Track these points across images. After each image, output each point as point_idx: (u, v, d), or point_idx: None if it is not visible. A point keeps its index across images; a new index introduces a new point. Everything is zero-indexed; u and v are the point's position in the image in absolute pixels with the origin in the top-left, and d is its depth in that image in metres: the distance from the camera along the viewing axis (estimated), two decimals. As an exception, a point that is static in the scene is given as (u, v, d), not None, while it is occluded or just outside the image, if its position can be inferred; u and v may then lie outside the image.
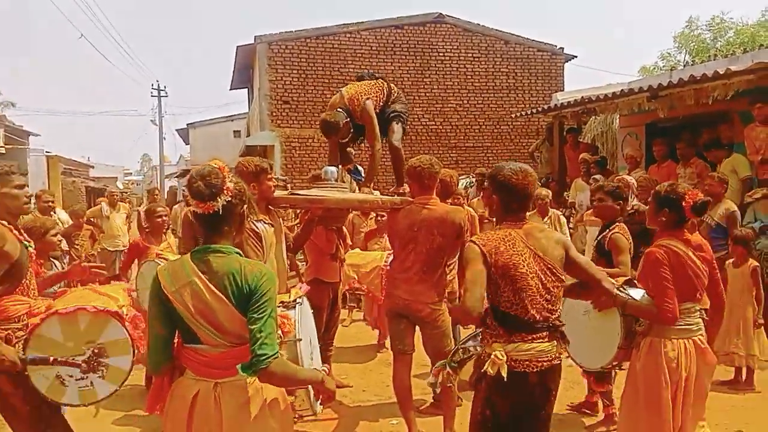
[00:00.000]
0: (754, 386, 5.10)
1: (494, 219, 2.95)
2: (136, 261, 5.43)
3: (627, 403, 3.19)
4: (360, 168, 5.44)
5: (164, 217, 5.49)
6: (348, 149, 5.27)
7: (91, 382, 2.84)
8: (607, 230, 4.13)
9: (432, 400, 4.70)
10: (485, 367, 2.53)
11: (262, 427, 2.20)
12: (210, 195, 2.15)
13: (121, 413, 4.71)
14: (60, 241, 7.56)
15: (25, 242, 3.02)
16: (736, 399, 4.89)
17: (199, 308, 2.11)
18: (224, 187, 2.18)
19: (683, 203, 3.01)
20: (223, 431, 2.13)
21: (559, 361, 2.66)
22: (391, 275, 4.14)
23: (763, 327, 5.08)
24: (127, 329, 2.93)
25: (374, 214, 7.15)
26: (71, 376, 2.79)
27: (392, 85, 4.94)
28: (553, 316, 2.63)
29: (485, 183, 5.69)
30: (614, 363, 3.26)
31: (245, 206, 2.31)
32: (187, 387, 2.19)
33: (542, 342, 2.57)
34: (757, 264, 5.13)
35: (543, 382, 2.61)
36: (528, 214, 7.14)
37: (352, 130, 4.73)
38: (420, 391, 4.71)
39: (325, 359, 5.21)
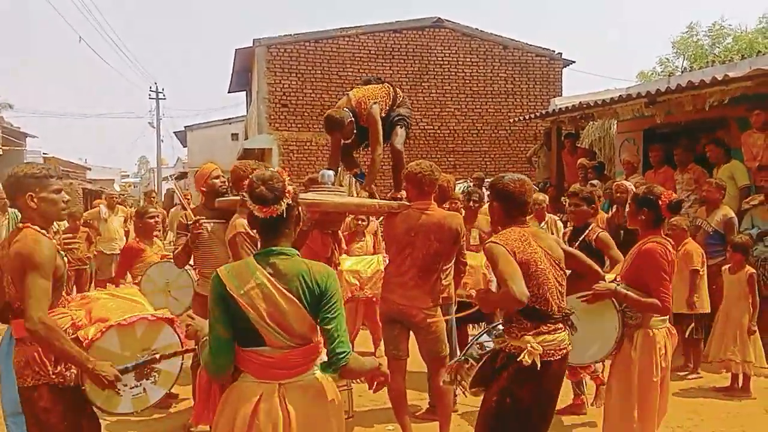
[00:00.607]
0: (750, 393, 5.10)
1: (498, 225, 3.13)
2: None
3: (619, 393, 3.37)
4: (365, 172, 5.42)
5: (156, 218, 5.47)
6: (354, 154, 5.24)
7: (144, 389, 2.87)
8: (588, 231, 4.60)
9: (428, 406, 4.68)
10: (521, 357, 2.71)
11: (328, 426, 2.23)
12: (273, 199, 2.17)
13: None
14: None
15: (61, 251, 2.89)
16: (732, 406, 4.88)
17: (269, 311, 2.11)
18: (286, 191, 2.21)
19: (660, 202, 3.31)
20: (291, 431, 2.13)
21: (569, 349, 2.92)
22: (386, 279, 4.13)
23: (757, 333, 5.07)
24: (178, 334, 2.98)
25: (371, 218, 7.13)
26: (126, 385, 2.78)
27: (398, 89, 4.95)
28: (565, 308, 2.92)
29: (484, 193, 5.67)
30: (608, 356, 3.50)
31: (299, 207, 2.35)
32: (248, 390, 2.16)
33: (561, 332, 2.86)
34: (754, 271, 5.13)
35: (560, 369, 2.89)
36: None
37: (355, 131, 4.72)
38: (416, 396, 4.70)
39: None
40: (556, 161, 10.50)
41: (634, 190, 5.70)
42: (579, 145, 10.68)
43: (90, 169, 33.50)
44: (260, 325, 2.11)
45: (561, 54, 17.19)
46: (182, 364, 3.02)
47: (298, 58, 15.45)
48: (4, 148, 20.55)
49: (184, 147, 33.09)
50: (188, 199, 7.26)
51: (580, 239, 4.58)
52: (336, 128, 4.64)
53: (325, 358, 2.25)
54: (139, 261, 5.20)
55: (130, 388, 2.81)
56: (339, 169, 4.92)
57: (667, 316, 3.40)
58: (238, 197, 3.90)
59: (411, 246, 3.88)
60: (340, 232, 5.52)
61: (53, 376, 2.66)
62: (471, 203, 6.31)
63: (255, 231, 2.31)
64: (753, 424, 4.55)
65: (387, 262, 4.55)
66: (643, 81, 22.58)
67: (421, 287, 3.89)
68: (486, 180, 11.12)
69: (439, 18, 16.26)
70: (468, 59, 16.46)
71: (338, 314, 2.16)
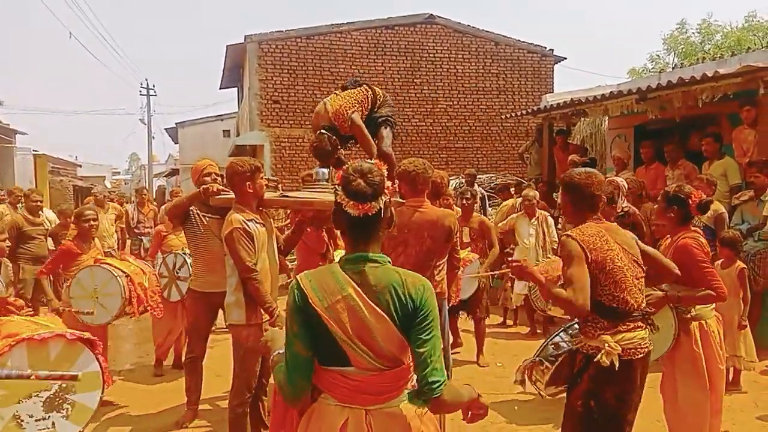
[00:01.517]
0: (741, 386, 5.14)
1: (569, 220, 3.16)
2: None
3: (692, 388, 3.44)
4: None
5: (92, 222, 5.14)
6: (337, 155, 5.22)
7: (53, 423, 2.47)
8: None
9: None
10: (598, 358, 2.65)
11: None
12: (372, 195, 1.88)
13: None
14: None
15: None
16: (723, 400, 4.92)
17: (355, 327, 1.83)
18: (384, 186, 1.93)
19: (690, 201, 3.46)
20: None
21: (651, 348, 2.84)
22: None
23: (748, 328, 5.11)
24: (99, 360, 2.66)
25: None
26: (31, 416, 2.42)
27: (376, 88, 4.88)
28: (644, 305, 2.84)
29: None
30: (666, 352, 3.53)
31: (392, 208, 2.06)
32: (332, 414, 1.88)
33: (642, 330, 2.78)
34: (745, 266, 5.17)
35: (643, 367, 2.80)
36: (515, 215, 7.14)
37: (344, 141, 4.70)
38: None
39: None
40: (547, 157, 10.53)
41: (626, 186, 5.76)
42: (570, 142, 10.71)
43: (81, 166, 33.26)
44: (344, 342, 1.84)
45: (552, 51, 17.24)
46: (101, 398, 2.66)
47: (289, 54, 15.42)
48: (-7, 145, 20.38)
49: (176, 144, 32.98)
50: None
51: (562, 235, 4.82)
52: (326, 158, 4.59)
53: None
54: (74, 264, 4.99)
55: (36, 421, 2.42)
56: (330, 169, 4.91)
57: (714, 304, 3.51)
58: (233, 195, 3.89)
59: (404, 243, 3.89)
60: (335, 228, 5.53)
61: None
62: (464, 201, 6.36)
63: (340, 232, 2.01)
64: (744, 418, 4.59)
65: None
66: (634, 78, 22.68)
67: (413, 284, 3.90)
68: (478, 176, 11.18)
69: (431, 14, 16.27)
70: (460, 56, 16.48)
71: (433, 336, 1.84)
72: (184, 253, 5.33)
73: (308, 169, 5.07)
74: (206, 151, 23.32)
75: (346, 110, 4.57)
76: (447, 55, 16.40)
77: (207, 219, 4.32)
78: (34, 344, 2.48)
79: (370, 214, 1.88)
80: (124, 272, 4.80)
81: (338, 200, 1.91)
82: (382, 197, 1.91)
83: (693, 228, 3.56)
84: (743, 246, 5.69)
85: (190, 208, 4.35)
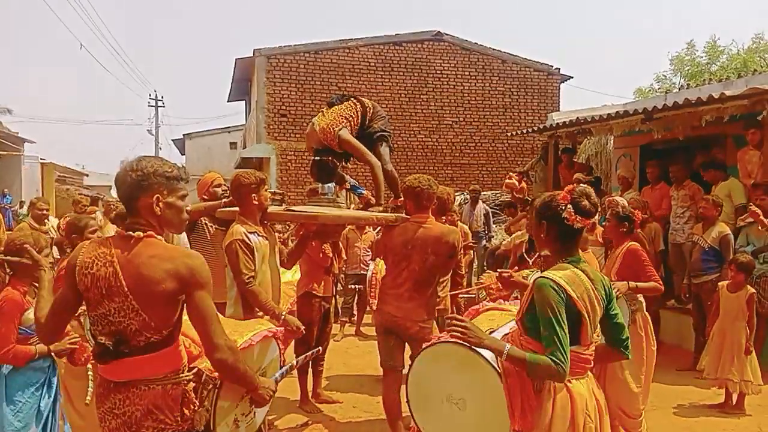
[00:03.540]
0: (745, 410, 5.10)
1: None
2: None
3: (633, 364, 4.04)
4: (356, 183, 5.42)
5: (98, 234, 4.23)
6: (339, 170, 5.23)
7: (254, 412, 2.55)
8: None
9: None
10: None
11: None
12: (594, 212, 2.40)
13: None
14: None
15: None
16: (727, 423, 4.88)
17: (590, 312, 2.30)
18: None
19: (635, 218, 4.41)
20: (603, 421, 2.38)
21: None
22: (382, 291, 4.14)
23: (754, 352, 5.08)
24: (279, 345, 2.84)
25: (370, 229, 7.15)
26: (243, 414, 2.46)
27: (364, 100, 4.85)
28: None
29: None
30: None
31: None
32: (575, 387, 2.30)
33: None
34: (754, 291, 5.15)
35: None
36: (520, 233, 7.17)
37: (341, 158, 4.72)
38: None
39: (316, 374, 5.20)
40: (552, 176, 10.53)
41: (626, 206, 5.76)
42: (576, 160, 10.72)
43: (87, 175, 33.45)
44: (588, 325, 2.29)
45: (559, 69, 17.31)
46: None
47: (297, 68, 15.52)
48: (2, 153, 20.53)
49: (182, 155, 33.10)
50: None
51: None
52: (328, 179, 4.61)
53: None
54: None
55: (245, 416, 2.46)
56: (336, 186, 4.91)
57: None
58: (237, 208, 3.91)
59: (407, 259, 3.90)
60: (339, 242, 5.54)
61: (182, 423, 2.13)
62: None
63: (558, 240, 2.41)
64: (747, 441, 4.56)
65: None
66: (641, 97, 22.72)
67: (416, 300, 3.90)
68: (482, 193, 11.19)
69: (439, 32, 16.37)
70: (467, 73, 16.56)
71: (619, 312, 2.46)
72: None
73: (313, 183, 5.09)
74: (213, 162, 23.46)
75: (333, 128, 4.56)
76: (454, 72, 16.48)
77: (213, 229, 4.34)
78: (245, 351, 2.50)
79: (587, 227, 2.40)
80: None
81: (565, 215, 2.34)
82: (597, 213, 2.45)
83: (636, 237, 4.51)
84: (749, 268, 5.67)
85: (199, 218, 4.36)
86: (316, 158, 4.63)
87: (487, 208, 10.56)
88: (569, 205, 2.35)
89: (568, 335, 2.19)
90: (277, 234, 4.56)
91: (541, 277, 2.28)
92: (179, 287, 2.05)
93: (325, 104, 4.91)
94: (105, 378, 2.16)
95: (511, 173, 9.91)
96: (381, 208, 4.63)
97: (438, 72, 16.37)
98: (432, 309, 4.02)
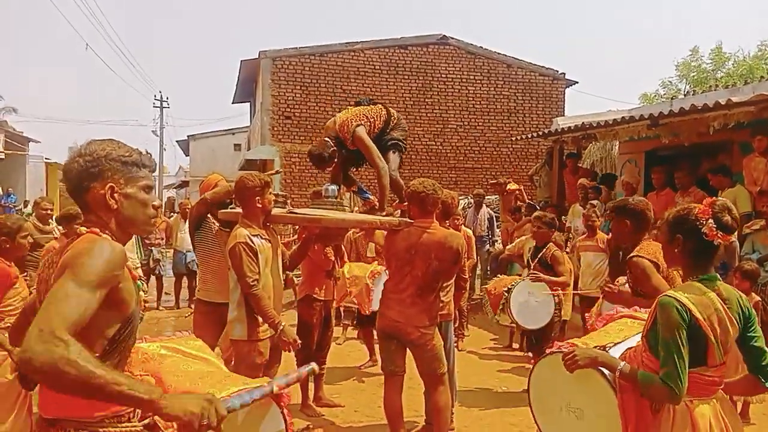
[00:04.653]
0: (749, 418, 5.06)
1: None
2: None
3: None
4: (363, 187, 5.40)
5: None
6: (350, 172, 5.22)
7: None
8: (545, 249, 5.53)
9: (424, 423, 4.65)
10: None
11: None
12: (736, 227, 2.33)
13: None
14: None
15: (139, 281, 1.98)
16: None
17: (720, 333, 2.18)
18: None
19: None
20: None
21: None
22: (385, 295, 4.12)
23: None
24: (285, 416, 2.24)
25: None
26: None
27: (392, 110, 4.86)
28: None
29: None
30: None
31: None
32: (696, 409, 2.21)
33: None
34: (759, 299, 5.11)
35: None
36: (524, 238, 7.19)
37: (346, 153, 4.71)
38: (412, 413, 4.67)
39: (318, 378, 5.18)
40: (557, 180, 10.51)
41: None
42: (580, 165, 10.70)
43: (91, 175, 33.48)
44: (715, 347, 2.17)
45: (564, 74, 17.28)
46: None
47: (302, 71, 15.53)
48: (7, 152, 20.59)
49: (187, 156, 33.20)
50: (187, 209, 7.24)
51: (539, 255, 5.55)
52: (319, 163, 4.65)
53: None
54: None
55: None
56: (340, 187, 4.91)
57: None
58: (240, 210, 3.89)
59: (410, 264, 3.87)
60: (342, 245, 5.53)
61: None
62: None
63: (693, 256, 2.30)
64: (751, 450, 4.52)
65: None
66: (646, 103, 22.68)
67: (418, 305, 3.88)
68: (486, 197, 11.16)
69: (444, 35, 16.37)
70: (472, 77, 16.55)
71: (760, 334, 2.28)
72: None
73: (317, 185, 5.09)
74: (217, 164, 23.47)
75: (352, 122, 4.56)
76: (459, 76, 16.47)
77: (217, 228, 4.31)
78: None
79: (726, 243, 2.28)
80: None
81: (705, 230, 2.23)
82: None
83: None
84: (755, 276, 5.64)
85: (207, 215, 4.32)
86: (327, 139, 4.62)
87: (490, 212, 10.54)
88: (710, 220, 2.24)
89: (686, 358, 2.12)
90: (279, 237, 4.53)
91: (665, 295, 2.21)
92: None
93: (352, 103, 4.95)
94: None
95: (511, 180, 9.91)
96: (384, 213, 4.61)
97: (443, 76, 16.36)
98: (434, 315, 3.99)
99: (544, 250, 5.55)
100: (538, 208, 9.01)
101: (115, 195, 1.75)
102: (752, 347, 2.26)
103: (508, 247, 7.44)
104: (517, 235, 8.06)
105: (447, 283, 4.15)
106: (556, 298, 5.35)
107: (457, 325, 5.51)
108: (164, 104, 36.60)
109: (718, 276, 2.29)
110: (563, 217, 9.20)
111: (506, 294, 5.25)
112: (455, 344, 5.15)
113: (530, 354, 6.05)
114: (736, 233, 3.63)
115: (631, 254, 3.33)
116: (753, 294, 5.09)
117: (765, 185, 6.61)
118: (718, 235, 2.22)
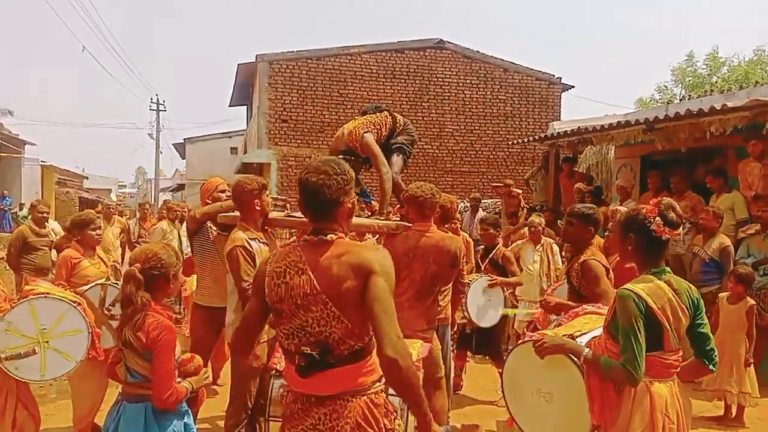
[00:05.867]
0: (743, 422, 5.08)
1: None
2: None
3: None
4: (367, 191, 5.41)
5: (99, 231, 4.57)
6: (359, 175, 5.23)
7: None
8: (496, 250, 5.75)
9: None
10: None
11: (690, 414, 2.64)
12: (681, 223, 2.51)
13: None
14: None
15: None
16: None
17: (673, 321, 2.41)
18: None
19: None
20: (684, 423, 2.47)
21: None
22: (383, 299, 4.11)
23: (753, 365, 5.07)
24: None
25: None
26: None
27: (398, 116, 4.90)
28: None
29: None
30: None
31: None
32: (657, 389, 2.41)
33: None
34: (754, 303, 5.13)
35: None
36: (520, 242, 7.21)
37: (356, 162, 4.73)
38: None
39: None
40: (553, 185, 10.54)
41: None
42: (576, 170, 10.73)
43: (87, 178, 33.50)
44: (670, 333, 2.40)
45: (560, 79, 17.34)
46: None
47: (299, 74, 15.55)
48: (2, 154, 20.54)
49: (183, 159, 33.15)
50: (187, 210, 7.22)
51: (489, 257, 5.78)
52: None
53: None
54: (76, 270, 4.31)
55: None
56: None
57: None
58: (238, 213, 3.89)
59: (409, 268, 3.86)
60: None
61: None
62: None
63: (644, 252, 2.53)
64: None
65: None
66: (642, 108, 22.76)
67: (416, 309, 3.87)
68: (482, 201, 11.18)
69: (441, 39, 16.41)
70: (468, 81, 16.59)
71: (706, 322, 2.53)
72: (115, 283, 4.10)
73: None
74: (213, 167, 23.45)
75: (359, 130, 4.60)
76: (455, 81, 16.51)
77: (215, 232, 4.31)
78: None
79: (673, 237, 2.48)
80: (76, 301, 3.70)
81: (653, 227, 2.45)
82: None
83: None
84: (749, 280, 5.66)
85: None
86: (341, 158, 4.62)
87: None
88: (657, 218, 2.45)
89: (644, 345, 2.32)
90: (277, 241, 4.52)
91: (624, 288, 2.41)
92: (360, 279, 1.98)
93: (359, 113, 4.96)
94: (303, 393, 2.06)
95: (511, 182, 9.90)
96: (383, 217, 4.61)
97: (439, 80, 16.40)
98: (432, 318, 3.99)
99: (495, 251, 5.76)
100: (537, 210, 9.03)
101: (355, 208, 2.18)
102: (699, 333, 2.50)
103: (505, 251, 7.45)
104: (513, 239, 8.06)
105: (445, 288, 4.15)
106: (507, 302, 5.61)
107: (454, 329, 5.51)
108: (161, 107, 36.56)
109: (668, 269, 2.51)
110: (559, 221, 9.22)
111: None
112: (452, 349, 5.14)
113: (480, 355, 6.11)
114: (733, 237, 3.66)
115: (585, 258, 3.51)
116: (748, 298, 5.12)
117: (760, 190, 6.64)
118: (666, 230, 2.45)
